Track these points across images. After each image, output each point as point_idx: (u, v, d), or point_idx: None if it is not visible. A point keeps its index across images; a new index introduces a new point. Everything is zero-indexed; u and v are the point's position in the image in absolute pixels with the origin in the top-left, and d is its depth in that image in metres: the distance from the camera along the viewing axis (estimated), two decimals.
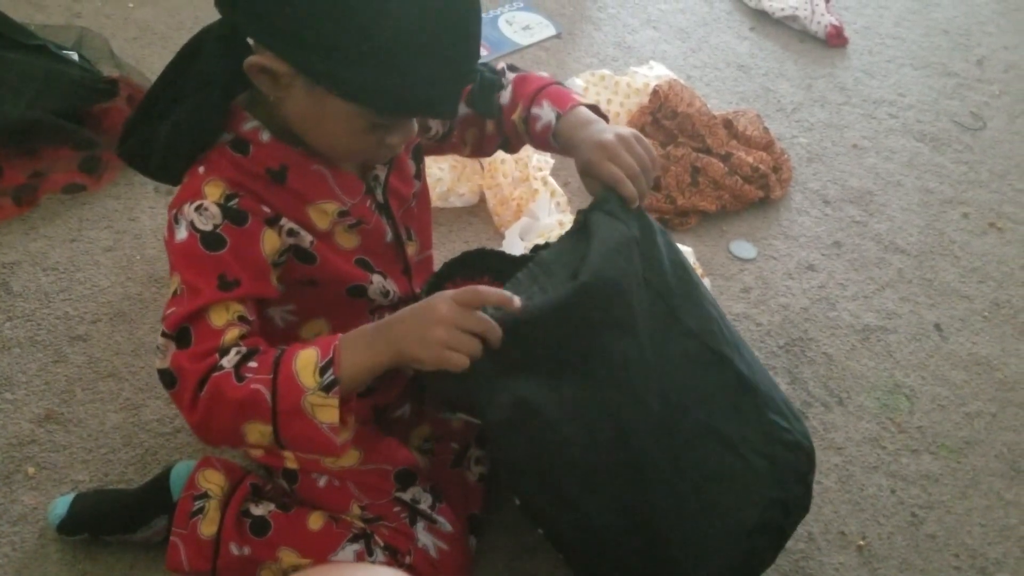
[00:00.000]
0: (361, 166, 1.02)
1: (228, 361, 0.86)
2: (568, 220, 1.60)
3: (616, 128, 1.02)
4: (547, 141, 1.09)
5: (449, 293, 0.88)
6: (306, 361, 0.86)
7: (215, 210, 0.89)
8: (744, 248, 1.79)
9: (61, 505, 1.16)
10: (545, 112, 1.08)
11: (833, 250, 1.82)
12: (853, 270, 1.79)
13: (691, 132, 1.88)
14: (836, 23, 2.45)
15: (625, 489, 0.98)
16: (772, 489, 1.04)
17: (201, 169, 0.92)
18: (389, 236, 1.07)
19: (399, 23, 0.79)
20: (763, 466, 1.04)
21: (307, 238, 0.97)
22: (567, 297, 0.94)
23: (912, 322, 1.69)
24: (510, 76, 1.14)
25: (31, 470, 1.25)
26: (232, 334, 0.88)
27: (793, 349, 1.60)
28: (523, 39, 2.24)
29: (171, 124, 0.91)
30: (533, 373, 0.94)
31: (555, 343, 0.95)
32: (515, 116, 1.11)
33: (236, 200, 0.91)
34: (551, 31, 2.30)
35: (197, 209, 0.89)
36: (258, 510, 1.12)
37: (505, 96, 1.13)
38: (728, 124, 1.92)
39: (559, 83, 1.12)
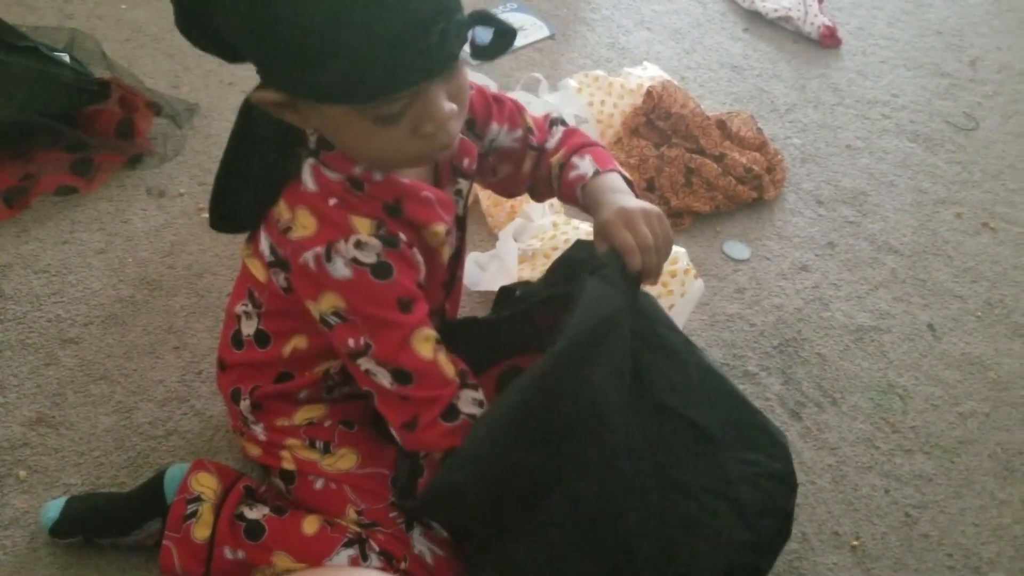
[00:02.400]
0: (445, 182, 1.04)
1: (470, 408, 1.00)
2: (561, 222, 1.60)
3: (643, 203, 1.02)
4: (574, 192, 1.09)
5: None
6: None
7: (375, 242, 0.93)
8: (738, 249, 1.79)
9: (53, 508, 1.16)
10: (584, 164, 1.09)
11: (827, 250, 1.83)
12: (847, 270, 1.79)
13: (685, 133, 1.88)
14: (829, 24, 2.45)
15: (595, 552, 0.98)
16: (740, 531, 1.03)
17: (333, 201, 0.95)
18: (452, 250, 1.08)
19: (323, 8, 0.77)
20: (726, 511, 1.03)
21: (422, 272, 1.00)
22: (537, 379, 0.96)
23: (905, 322, 1.70)
24: (560, 128, 1.17)
25: (22, 473, 1.24)
26: (443, 358, 0.99)
27: (787, 349, 1.60)
28: (517, 40, 2.24)
29: (255, 179, 0.97)
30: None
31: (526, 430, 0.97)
32: (554, 159, 1.13)
33: (384, 228, 0.95)
34: (545, 32, 2.30)
35: (357, 245, 0.93)
36: (252, 514, 1.11)
37: (553, 141, 1.15)
38: (722, 125, 1.92)
39: (604, 147, 1.15)
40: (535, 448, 0.96)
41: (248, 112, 0.96)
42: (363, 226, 0.94)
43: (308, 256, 0.94)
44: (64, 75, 1.68)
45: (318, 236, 0.94)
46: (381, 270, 0.94)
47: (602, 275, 0.99)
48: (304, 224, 0.94)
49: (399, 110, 0.86)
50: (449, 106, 0.89)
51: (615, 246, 0.99)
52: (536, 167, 1.16)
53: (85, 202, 1.64)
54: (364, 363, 0.97)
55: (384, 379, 0.97)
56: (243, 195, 0.98)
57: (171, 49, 2.02)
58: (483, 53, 0.93)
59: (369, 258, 0.93)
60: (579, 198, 1.09)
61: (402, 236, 0.96)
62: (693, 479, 1.04)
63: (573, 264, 1.11)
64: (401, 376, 0.97)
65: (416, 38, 0.80)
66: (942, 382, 1.59)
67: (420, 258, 0.99)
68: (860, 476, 1.42)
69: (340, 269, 0.93)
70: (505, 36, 0.92)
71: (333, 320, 0.96)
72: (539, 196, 1.21)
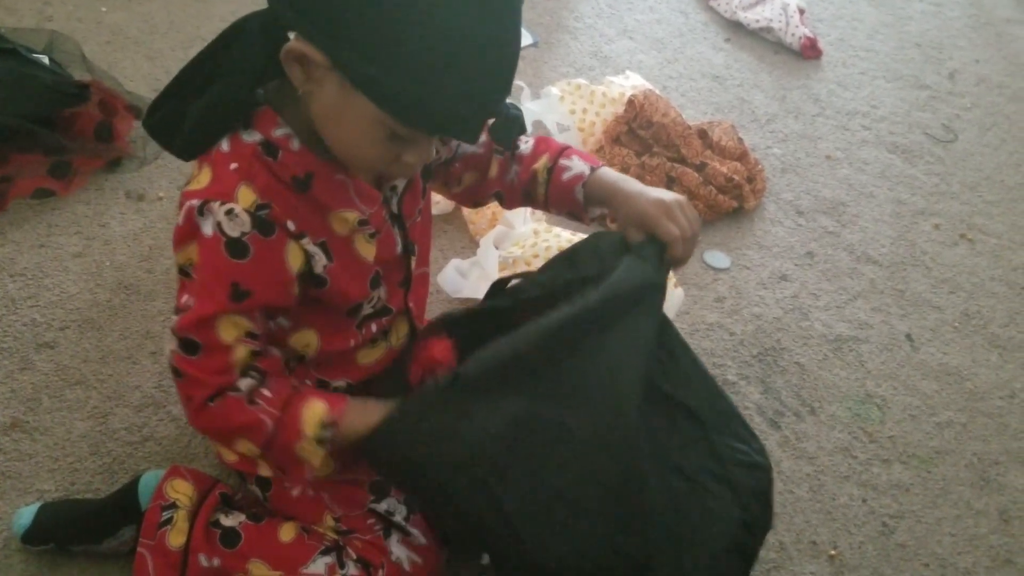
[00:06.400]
0: (377, 177, 1.01)
1: (244, 384, 0.93)
2: (543, 229, 1.60)
3: (672, 193, 1.06)
4: (571, 192, 1.11)
5: None
6: (314, 413, 0.95)
7: (245, 218, 0.90)
8: (718, 258, 1.79)
9: (26, 515, 1.14)
10: (577, 164, 1.11)
11: (806, 260, 1.84)
12: (826, 280, 1.80)
13: (666, 142, 1.89)
14: (810, 35, 2.47)
15: (600, 531, 0.97)
16: (735, 510, 1.05)
17: (233, 166, 0.92)
18: (399, 248, 1.06)
19: (443, 40, 0.79)
20: (723, 490, 1.06)
21: (321, 262, 0.97)
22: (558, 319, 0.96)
23: (884, 332, 1.71)
24: (529, 136, 1.17)
25: None
26: (243, 352, 0.93)
27: (766, 359, 1.60)
28: None
29: (204, 103, 0.92)
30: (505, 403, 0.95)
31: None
32: (538, 165, 1.13)
33: (267, 211, 0.92)
34: (528, 40, 2.30)
35: (228, 213, 0.90)
36: (228, 521, 1.10)
37: (526, 148, 1.15)
38: (703, 134, 1.93)
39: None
40: (536, 398, 0.95)
41: (239, 31, 0.92)
42: (244, 198, 0.91)
43: (186, 206, 0.92)
44: (43, 77, 1.67)
45: (204, 191, 0.92)
46: (236, 248, 0.91)
47: (640, 255, 1.02)
48: (200, 180, 0.94)
49: (411, 138, 0.89)
50: (432, 155, 0.96)
51: (661, 236, 1.03)
52: (504, 172, 1.16)
53: (62, 205, 1.63)
54: (172, 321, 0.94)
55: (171, 343, 0.93)
56: (190, 106, 0.93)
57: (151, 52, 2.01)
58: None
59: (232, 231, 0.90)
60: (578, 196, 1.10)
61: (291, 225, 0.93)
62: (692, 462, 1.05)
63: (579, 255, 1.12)
64: (189, 346, 0.93)
65: (485, 111, 0.88)
66: (919, 392, 1.60)
67: (314, 250, 0.96)
68: (838, 486, 1.42)
69: (205, 227, 0.91)
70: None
71: (189, 270, 0.94)
72: (508, 203, 1.20)
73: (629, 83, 1.99)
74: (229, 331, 0.93)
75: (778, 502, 1.38)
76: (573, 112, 1.92)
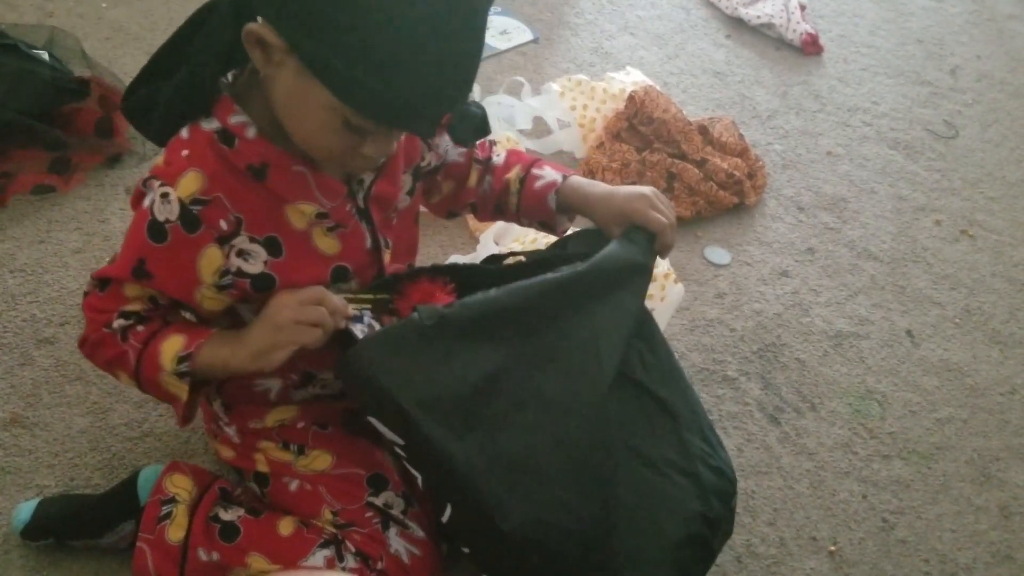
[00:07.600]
0: (346, 171, 1.01)
1: (118, 324, 1.00)
2: None
3: (643, 187, 1.11)
4: (543, 199, 1.14)
5: (294, 292, 0.98)
6: (171, 346, 0.98)
7: (175, 207, 0.92)
8: (719, 254, 1.79)
9: (25, 510, 1.14)
10: (548, 173, 1.15)
11: (807, 256, 1.83)
12: (826, 276, 1.80)
13: (667, 138, 1.88)
14: (811, 31, 2.47)
15: (562, 497, 0.97)
16: (696, 504, 1.06)
17: (185, 152, 0.93)
18: (369, 242, 1.06)
19: (399, 31, 0.79)
20: (686, 483, 1.07)
21: (260, 258, 0.97)
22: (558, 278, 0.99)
23: (884, 328, 1.71)
24: (501, 148, 1.21)
25: None
26: (135, 307, 1.00)
27: (766, 355, 1.60)
28: (501, 44, 2.24)
29: (172, 86, 0.94)
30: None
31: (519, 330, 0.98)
32: (510, 175, 1.16)
33: (201, 207, 0.93)
34: (528, 36, 2.30)
35: (163, 196, 0.92)
36: (227, 515, 1.10)
37: (499, 160, 1.19)
38: (703, 130, 1.93)
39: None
40: (515, 356, 0.96)
41: (209, 13, 0.93)
42: (186, 187, 0.92)
43: (139, 186, 0.97)
44: (43, 73, 1.66)
45: (157, 168, 0.95)
46: (156, 230, 0.93)
47: (629, 238, 1.06)
48: (157, 160, 0.96)
49: (367, 129, 0.88)
50: (392, 149, 0.97)
51: (651, 227, 1.07)
52: (480, 182, 1.19)
53: (62, 201, 1.63)
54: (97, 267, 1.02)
55: (87, 285, 1.02)
56: (161, 91, 0.95)
57: (152, 48, 1.98)
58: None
59: (159, 215, 0.93)
60: (550, 204, 1.13)
61: (223, 224, 0.94)
62: (659, 453, 1.07)
63: (568, 242, 1.15)
64: (99, 286, 1.01)
65: (439, 106, 0.88)
66: (920, 388, 1.60)
67: (250, 247, 0.97)
68: (838, 481, 1.42)
69: (144, 199, 0.95)
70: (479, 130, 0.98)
71: None
72: (481, 214, 1.23)
73: (630, 79, 1.99)
74: (134, 289, 0.99)
75: (778, 498, 1.38)
76: (573, 108, 1.92)
